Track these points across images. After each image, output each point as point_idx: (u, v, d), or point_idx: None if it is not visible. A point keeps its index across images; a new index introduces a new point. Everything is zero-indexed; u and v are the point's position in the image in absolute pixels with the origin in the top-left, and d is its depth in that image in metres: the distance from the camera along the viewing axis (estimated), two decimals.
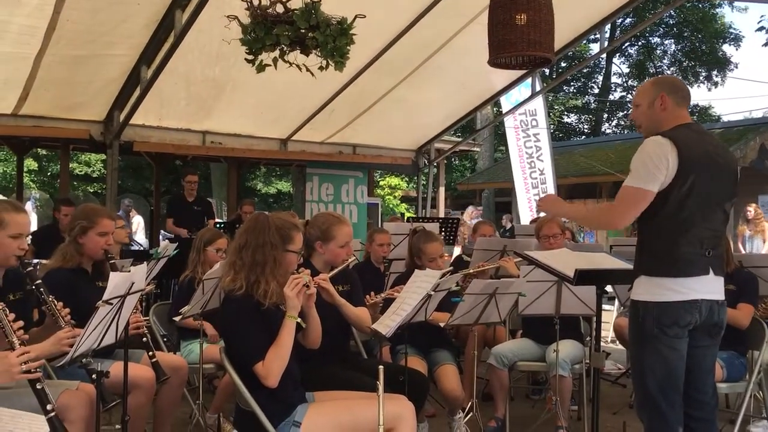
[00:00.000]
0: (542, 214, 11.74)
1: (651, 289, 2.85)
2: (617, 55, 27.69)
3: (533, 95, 10.60)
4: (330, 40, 4.50)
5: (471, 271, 4.82)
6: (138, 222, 13.74)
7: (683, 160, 2.77)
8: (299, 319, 2.81)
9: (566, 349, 4.23)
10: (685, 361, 2.86)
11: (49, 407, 2.37)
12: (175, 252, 5.13)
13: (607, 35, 24.04)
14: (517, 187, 13.09)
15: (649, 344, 2.85)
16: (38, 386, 2.40)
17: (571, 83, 28.13)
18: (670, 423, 2.86)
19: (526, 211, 12.83)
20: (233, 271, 2.85)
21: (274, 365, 2.72)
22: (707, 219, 2.84)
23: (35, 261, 5.45)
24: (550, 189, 12.89)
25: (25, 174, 13.05)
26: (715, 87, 26.60)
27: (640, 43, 27.27)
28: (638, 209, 2.86)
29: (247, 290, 2.78)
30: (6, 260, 2.93)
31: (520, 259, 4.22)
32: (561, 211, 3.46)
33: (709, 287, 2.84)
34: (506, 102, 11.81)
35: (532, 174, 12.95)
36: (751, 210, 9.66)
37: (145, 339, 3.46)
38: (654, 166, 2.78)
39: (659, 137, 2.82)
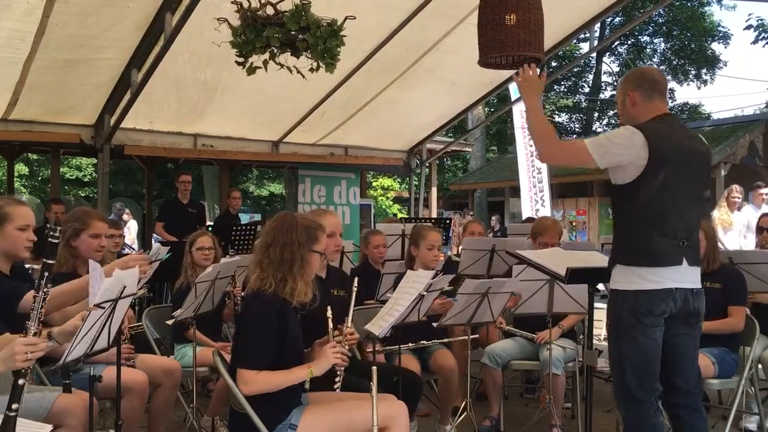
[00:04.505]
0: (539, 215, 11.81)
1: (627, 278, 2.91)
2: (607, 54, 27.79)
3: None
4: (320, 41, 4.50)
5: None
6: (134, 227, 13.69)
7: (654, 153, 2.82)
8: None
9: (559, 347, 4.25)
10: (661, 350, 2.91)
11: (14, 406, 2.29)
12: (168, 255, 5.11)
13: (597, 34, 24.16)
14: (522, 186, 13.20)
15: (625, 333, 2.91)
16: (20, 381, 2.32)
17: (562, 83, 28.21)
18: (646, 411, 2.90)
19: (528, 211, 12.91)
20: (260, 269, 2.83)
21: (262, 385, 2.70)
22: (681, 210, 2.89)
23: (27, 266, 5.43)
24: (546, 188, 12.98)
25: (15, 179, 13.01)
26: (705, 85, 26.79)
27: (629, 42, 27.38)
28: (573, 162, 3.11)
29: (276, 290, 2.77)
30: (18, 253, 2.98)
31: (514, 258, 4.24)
32: (530, 103, 3.20)
33: (684, 276, 2.89)
34: (515, 96, 11.88)
35: (533, 173, 13.06)
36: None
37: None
38: (612, 144, 2.86)
39: (634, 128, 2.89)
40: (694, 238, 2.96)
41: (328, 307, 3.04)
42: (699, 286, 2.97)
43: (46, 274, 2.42)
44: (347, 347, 3.04)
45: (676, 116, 3.18)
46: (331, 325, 3.04)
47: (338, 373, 2.97)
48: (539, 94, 3.23)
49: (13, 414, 2.29)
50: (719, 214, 7.61)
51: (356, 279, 3.43)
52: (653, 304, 2.85)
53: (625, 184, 2.90)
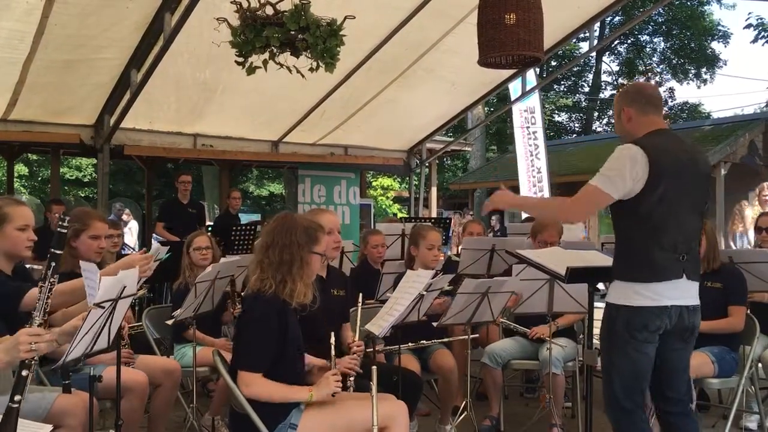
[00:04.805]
0: None
1: (624, 293, 2.92)
2: (607, 53, 27.79)
3: (524, 94, 10.67)
4: (320, 41, 4.50)
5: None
6: (135, 228, 13.67)
7: (654, 167, 2.83)
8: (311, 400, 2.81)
9: (559, 346, 4.25)
10: (652, 364, 2.94)
11: (17, 398, 2.28)
12: (168, 255, 5.11)
13: (597, 34, 24.15)
14: (522, 185, 13.21)
15: (618, 346, 2.93)
16: (24, 373, 2.29)
17: (562, 82, 28.21)
18: (635, 421, 2.94)
19: None
20: (259, 269, 2.84)
21: (261, 390, 2.70)
22: (680, 224, 2.90)
23: (27, 266, 5.43)
24: (546, 187, 13.00)
25: (15, 179, 13.00)
26: (705, 84, 26.77)
27: (629, 41, 27.38)
28: (594, 209, 3.03)
29: (276, 291, 2.77)
30: (19, 253, 2.98)
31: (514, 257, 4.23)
32: (514, 203, 3.35)
33: (682, 292, 2.90)
34: (515, 96, 11.91)
35: (533, 173, 13.09)
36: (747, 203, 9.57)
37: None
38: (619, 173, 2.85)
39: (631, 145, 2.90)
40: (693, 251, 2.97)
41: (332, 334, 3.06)
42: (696, 302, 2.98)
43: (54, 264, 2.43)
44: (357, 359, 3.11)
45: (671, 130, 3.20)
46: (333, 352, 3.04)
47: (349, 379, 3.00)
48: (511, 195, 3.32)
49: (15, 406, 2.28)
50: (752, 213, 7.56)
51: (360, 295, 3.47)
52: (648, 320, 2.86)
53: (625, 200, 2.90)
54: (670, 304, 2.87)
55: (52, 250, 2.45)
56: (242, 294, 3.42)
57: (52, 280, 2.42)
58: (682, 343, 2.98)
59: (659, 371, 2.97)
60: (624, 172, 2.84)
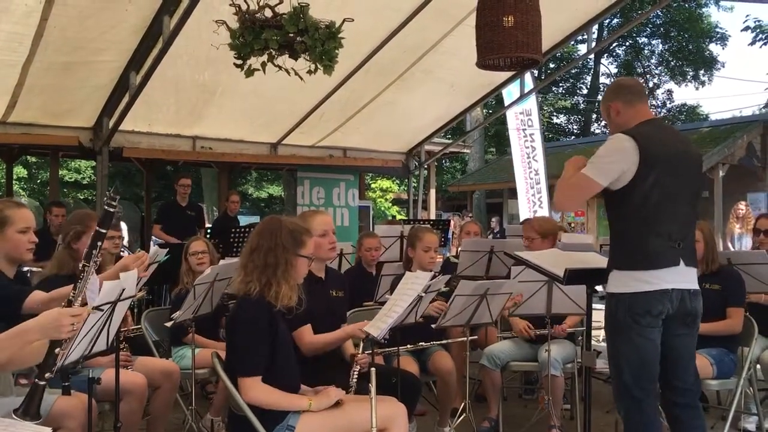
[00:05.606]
0: (536, 214, 11.79)
1: (623, 281, 2.94)
2: (605, 55, 27.82)
3: (522, 96, 10.67)
4: (318, 44, 4.51)
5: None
6: (124, 229, 13.66)
7: (644, 155, 2.85)
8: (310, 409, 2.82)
9: (558, 348, 4.25)
10: (658, 350, 2.94)
11: (47, 375, 2.31)
12: (166, 258, 5.11)
13: (595, 36, 24.18)
14: (519, 187, 13.23)
15: (623, 334, 2.93)
16: (56, 350, 2.31)
17: (560, 84, 28.23)
18: (645, 411, 2.93)
19: (526, 213, 12.92)
20: (244, 272, 2.85)
21: (261, 395, 2.71)
22: (674, 211, 2.92)
23: (26, 268, 5.43)
24: (544, 189, 13.01)
25: (14, 182, 12.98)
26: (703, 86, 26.80)
27: (627, 44, 27.41)
28: (584, 196, 3.05)
29: (261, 293, 2.78)
30: (21, 255, 2.99)
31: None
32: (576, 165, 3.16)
33: (680, 277, 2.92)
34: (508, 100, 11.94)
35: (530, 174, 13.11)
36: (743, 208, 9.64)
37: None
38: (609, 161, 2.90)
39: (622, 134, 2.94)
40: (689, 240, 2.99)
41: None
42: (696, 286, 2.99)
43: (99, 243, 2.46)
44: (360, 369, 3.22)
45: (662, 119, 3.24)
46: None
47: (354, 374, 3.03)
48: (578, 166, 3.12)
49: (43, 383, 2.31)
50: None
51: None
52: (650, 305, 2.87)
53: (618, 188, 2.92)
54: (671, 287, 2.88)
55: (98, 228, 2.48)
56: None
57: (95, 259, 2.45)
58: (685, 328, 2.98)
59: (665, 360, 2.97)
60: (615, 160, 2.88)
